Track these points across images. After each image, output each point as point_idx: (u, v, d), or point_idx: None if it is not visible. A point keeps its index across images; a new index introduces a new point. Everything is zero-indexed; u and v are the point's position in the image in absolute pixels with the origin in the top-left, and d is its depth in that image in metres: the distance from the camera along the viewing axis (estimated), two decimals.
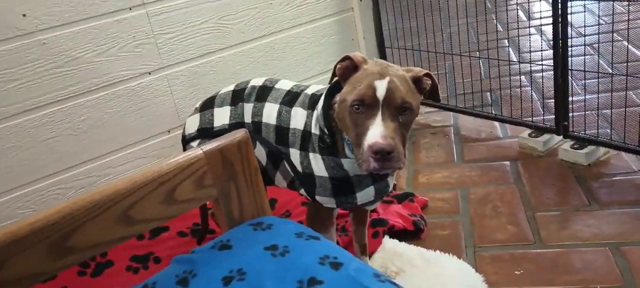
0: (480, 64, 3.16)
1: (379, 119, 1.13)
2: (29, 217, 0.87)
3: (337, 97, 1.25)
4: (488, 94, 2.81)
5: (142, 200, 0.92)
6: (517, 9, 3.36)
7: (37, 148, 1.96)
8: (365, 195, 1.34)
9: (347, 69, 1.25)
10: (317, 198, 1.35)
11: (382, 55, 2.75)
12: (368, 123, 1.14)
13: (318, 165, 1.31)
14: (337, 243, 1.69)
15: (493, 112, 2.59)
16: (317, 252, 0.91)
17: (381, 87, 1.14)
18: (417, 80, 1.23)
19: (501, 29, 3.73)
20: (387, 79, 1.15)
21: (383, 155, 1.10)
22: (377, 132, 1.11)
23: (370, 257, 1.70)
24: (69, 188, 2.06)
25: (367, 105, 1.15)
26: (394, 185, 2.17)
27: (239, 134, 1.01)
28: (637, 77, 1.89)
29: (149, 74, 2.13)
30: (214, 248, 0.97)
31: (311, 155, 1.32)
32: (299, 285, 0.83)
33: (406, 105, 1.15)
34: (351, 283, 0.82)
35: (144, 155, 2.20)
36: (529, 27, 3.30)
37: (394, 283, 0.84)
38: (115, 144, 2.12)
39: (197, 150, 0.97)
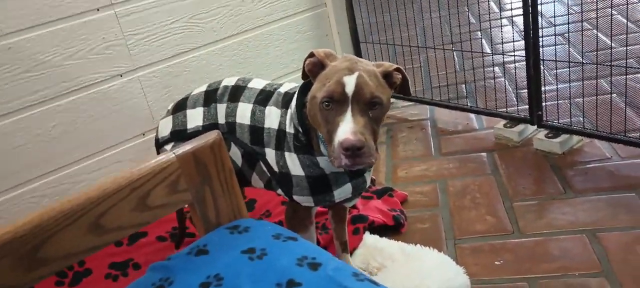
0: (455, 57, 3.18)
1: (348, 114, 1.12)
2: None
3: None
4: (463, 86, 2.83)
5: (113, 208, 0.90)
6: (489, 1, 3.39)
7: (7, 156, 1.90)
8: (342, 192, 1.33)
9: (315, 65, 1.24)
10: (295, 197, 1.34)
11: (357, 50, 2.74)
12: (338, 119, 1.13)
13: (294, 164, 1.30)
14: (318, 241, 1.69)
15: (468, 104, 2.62)
16: (295, 253, 0.90)
17: (350, 83, 1.14)
18: (387, 75, 1.23)
19: (474, 21, 3.76)
20: (356, 74, 1.15)
21: (354, 151, 1.09)
22: (347, 128, 1.11)
23: (351, 253, 1.70)
24: (43, 196, 2.01)
25: (336, 102, 1.14)
26: (373, 181, 2.17)
27: (212, 135, 0.99)
28: (607, 64, 1.92)
29: (121, 76, 2.08)
30: (191, 253, 0.95)
31: (286, 154, 1.31)
32: None
33: (376, 99, 1.15)
34: (330, 284, 0.81)
35: (119, 160, 2.16)
36: (501, 18, 3.33)
37: (373, 282, 0.83)
38: (89, 149, 2.08)
39: (170, 154, 0.95)
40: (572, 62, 2.13)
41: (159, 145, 1.52)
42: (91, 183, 2.09)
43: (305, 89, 1.28)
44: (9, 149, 1.90)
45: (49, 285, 1.77)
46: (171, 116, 1.51)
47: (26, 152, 1.94)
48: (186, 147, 0.97)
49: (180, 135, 1.47)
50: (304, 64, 1.25)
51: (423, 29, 2.66)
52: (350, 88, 1.13)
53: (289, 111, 1.31)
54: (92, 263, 1.85)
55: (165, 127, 1.51)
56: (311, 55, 1.25)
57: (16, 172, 1.93)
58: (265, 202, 2.06)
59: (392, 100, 2.76)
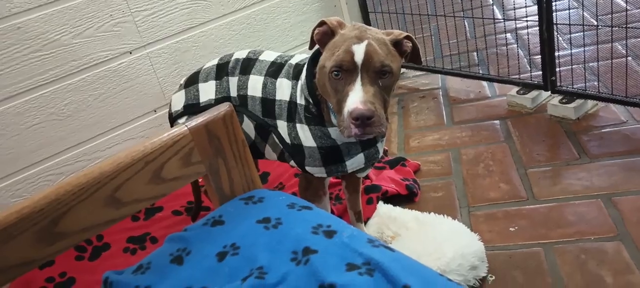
0: (466, 24, 3.13)
1: (358, 84, 1.11)
2: (16, 204, 0.85)
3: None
4: (475, 53, 2.79)
5: (129, 181, 0.91)
6: None
7: (22, 135, 1.92)
8: (355, 162, 1.33)
9: (325, 34, 1.23)
10: (308, 168, 1.34)
11: (366, 20, 2.71)
12: (348, 88, 1.12)
13: (306, 135, 1.29)
14: (332, 212, 1.69)
15: (480, 71, 2.59)
16: (309, 221, 0.90)
17: (359, 51, 1.12)
18: (397, 43, 1.21)
19: None
20: (366, 42, 1.13)
21: (363, 120, 1.08)
22: (356, 97, 1.09)
23: (365, 223, 1.70)
24: (59, 174, 2.03)
25: (345, 71, 1.13)
26: (386, 151, 2.16)
27: (223, 108, 0.99)
28: (622, 27, 1.88)
29: (130, 53, 2.08)
30: (207, 224, 0.96)
31: (298, 126, 1.30)
32: (294, 256, 0.82)
33: (386, 68, 1.13)
34: (345, 251, 0.81)
35: (132, 137, 2.17)
36: None
37: (388, 247, 0.83)
38: (101, 127, 2.09)
39: (182, 127, 0.95)
40: (586, 25, 2.09)
41: (173, 119, 1.53)
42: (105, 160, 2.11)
43: (315, 59, 1.27)
44: (24, 128, 1.92)
45: (69, 259, 1.80)
46: (184, 90, 1.51)
47: (41, 130, 1.95)
48: (198, 119, 0.97)
49: (193, 108, 1.47)
50: (313, 33, 1.24)
51: None
52: (359, 56, 1.12)
53: (300, 82, 1.30)
54: (110, 237, 1.88)
55: (178, 101, 1.51)
56: (321, 24, 1.23)
57: (32, 151, 1.95)
58: (279, 174, 2.07)
59: (403, 69, 2.74)
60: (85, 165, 2.07)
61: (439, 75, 2.69)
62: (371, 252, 0.79)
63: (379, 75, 1.14)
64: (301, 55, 1.41)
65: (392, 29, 2.74)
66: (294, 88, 1.32)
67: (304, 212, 0.94)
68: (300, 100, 1.29)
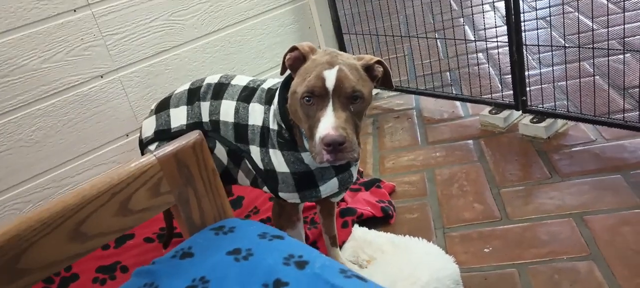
0: (438, 44, 3.17)
1: (329, 109, 1.11)
2: None
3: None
4: (448, 73, 2.83)
5: (94, 214, 0.88)
6: None
7: None
8: (328, 187, 1.32)
9: (297, 59, 1.22)
10: (281, 194, 1.33)
11: (340, 42, 2.73)
12: (319, 114, 1.12)
13: (278, 161, 1.28)
14: (307, 237, 1.68)
15: (454, 91, 2.62)
16: (281, 252, 0.88)
17: (330, 77, 1.12)
18: (368, 68, 1.21)
19: (456, 7, 3.75)
20: (337, 68, 1.13)
21: (335, 146, 1.08)
22: (328, 123, 1.09)
23: (340, 247, 1.69)
24: (27, 202, 1.98)
25: (317, 96, 1.13)
26: (361, 172, 2.16)
27: (193, 136, 0.97)
28: (588, 48, 1.92)
29: (101, 77, 2.05)
30: (176, 257, 0.94)
31: (271, 151, 1.29)
32: None
33: (357, 93, 1.13)
34: (317, 282, 0.80)
35: (103, 162, 2.13)
36: (483, 3, 3.33)
37: (361, 278, 0.82)
38: (71, 153, 2.04)
39: (150, 156, 0.93)
40: (554, 46, 2.13)
41: (143, 145, 1.50)
42: (75, 186, 2.07)
43: (287, 84, 1.26)
44: None
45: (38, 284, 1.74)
46: (154, 116, 1.49)
47: (8, 157, 1.90)
48: (167, 148, 0.95)
49: (164, 134, 1.45)
50: (284, 58, 1.23)
51: (406, 18, 2.65)
52: (330, 82, 1.12)
53: (272, 107, 1.29)
54: (79, 267, 1.83)
55: (149, 127, 1.48)
56: (292, 49, 1.23)
57: None
58: (253, 198, 2.04)
59: (377, 90, 2.76)
60: (54, 193, 2.02)
61: (413, 95, 2.72)
62: (343, 283, 0.78)
63: (350, 101, 1.14)
64: (273, 79, 1.40)
65: (366, 49, 2.77)
66: (266, 113, 1.31)
67: (276, 242, 0.93)
68: (273, 126, 1.28)
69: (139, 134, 1.56)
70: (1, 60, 1.82)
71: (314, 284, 0.79)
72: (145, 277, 0.91)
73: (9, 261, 0.82)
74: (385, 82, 1.26)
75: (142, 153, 1.53)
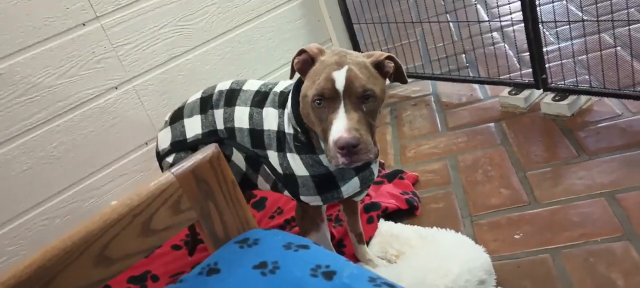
0: (451, 27, 3.11)
1: (341, 111, 1.08)
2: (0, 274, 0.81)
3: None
4: (463, 56, 2.77)
5: (117, 238, 0.87)
6: None
7: (14, 181, 1.88)
8: (350, 187, 1.29)
9: (305, 62, 1.20)
10: (302, 198, 1.31)
11: (351, 32, 2.68)
12: (331, 117, 1.09)
13: (297, 164, 1.26)
14: (332, 236, 1.66)
15: (470, 74, 2.56)
16: (308, 262, 0.87)
17: (340, 78, 1.09)
18: (378, 65, 1.18)
19: None
20: (346, 68, 1.10)
21: (349, 149, 1.05)
22: (340, 125, 1.06)
23: (367, 243, 1.67)
24: (54, 217, 2.00)
25: (328, 99, 1.10)
26: (382, 164, 2.13)
27: (209, 150, 0.96)
28: (608, 20, 1.85)
29: (116, 88, 2.05)
30: (202, 274, 0.93)
31: (289, 155, 1.27)
32: None
33: (368, 92, 1.10)
34: None
35: (125, 172, 2.14)
36: None
37: (391, 285, 0.80)
38: (93, 165, 2.05)
39: (168, 174, 0.92)
40: (572, 20, 2.06)
41: (161, 157, 1.49)
42: (101, 198, 2.08)
43: (299, 86, 1.24)
44: (15, 174, 1.88)
45: None
46: (169, 127, 1.48)
47: (32, 175, 1.92)
48: (185, 165, 0.94)
49: (180, 145, 1.44)
50: (293, 62, 1.21)
51: (416, 2, 2.59)
52: (340, 83, 1.09)
53: (286, 111, 1.27)
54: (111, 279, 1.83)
55: (165, 138, 1.47)
56: (300, 52, 1.20)
57: (25, 197, 1.91)
58: (277, 199, 2.03)
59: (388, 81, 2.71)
60: (79, 206, 2.04)
61: (430, 81, 2.67)
62: None
63: (362, 100, 1.11)
64: (285, 82, 1.38)
65: (377, 38, 2.73)
66: (281, 117, 1.29)
67: (301, 252, 0.91)
68: (289, 130, 1.26)
69: (155, 145, 1.55)
70: (17, 80, 1.83)
71: None
72: None
73: None
74: (397, 77, 1.23)
75: (160, 165, 1.53)
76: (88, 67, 1.97)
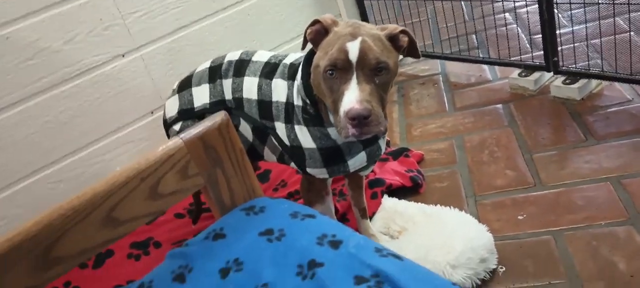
0: (463, 6, 3.07)
1: (353, 82, 1.07)
2: (8, 231, 0.82)
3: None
4: (474, 36, 2.74)
5: (125, 200, 0.88)
6: None
7: (18, 145, 1.89)
8: (357, 161, 1.29)
9: (318, 33, 1.18)
10: (308, 170, 1.31)
11: (361, 8, 2.65)
12: (343, 88, 1.08)
13: (305, 137, 1.26)
14: (336, 209, 1.66)
15: (480, 54, 2.54)
16: (314, 231, 0.87)
17: (353, 49, 1.08)
18: (392, 38, 1.16)
19: None
20: (360, 39, 1.09)
21: (360, 120, 1.04)
22: (352, 96, 1.05)
23: (370, 218, 1.67)
24: (58, 182, 2.00)
25: (340, 69, 1.09)
26: (388, 142, 2.13)
27: (219, 117, 0.95)
28: (623, 4, 1.83)
29: (123, 56, 2.04)
30: (208, 238, 0.93)
31: (296, 127, 1.27)
32: (299, 270, 0.79)
33: (381, 64, 1.09)
34: (352, 262, 0.78)
35: (130, 140, 2.14)
36: None
37: (397, 256, 0.80)
38: (99, 132, 2.05)
39: (177, 140, 0.92)
40: (587, 3, 2.03)
41: (167, 125, 1.49)
42: (106, 165, 2.09)
43: (310, 58, 1.22)
44: (21, 138, 1.88)
45: (74, 269, 1.77)
46: (177, 95, 1.47)
47: (37, 139, 1.92)
48: (193, 131, 0.94)
49: (187, 113, 1.43)
50: (306, 32, 1.19)
51: None
52: (353, 54, 1.08)
53: (296, 83, 1.26)
54: (113, 244, 1.85)
55: (172, 106, 1.47)
56: (314, 22, 1.19)
57: (30, 161, 1.92)
58: (280, 171, 2.03)
59: (400, 56, 2.69)
60: (84, 172, 2.04)
61: (438, 60, 2.65)
62: (379, 263, 0.76)
63: (375, 73, 1.10)
64: (295, 54, 1.37)
65: (387, 14, 2.70)
66: (290, 89, 1.28)
67: (308, 221, 0.91)
68: (297, 101, 1.25)
69: (162, 114, 1.55)
70: (24, 44, 1.82)
71: (349, 264, 0.78)
72: (180, 259, 0.90)
73: (43, 251, 0.82)
74: (411, 51, 1.21)
75: (167, 133, 1.53)
76: (96, 33, 1.96)
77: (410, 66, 2.71)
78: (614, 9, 1.93)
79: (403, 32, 1.17)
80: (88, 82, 1.98)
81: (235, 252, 0.87)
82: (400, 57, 2.59)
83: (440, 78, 2.53)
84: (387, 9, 2.64)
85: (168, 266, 0.92)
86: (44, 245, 0.81)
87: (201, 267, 0.87)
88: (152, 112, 2.16)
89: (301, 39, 1.23)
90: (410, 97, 2.45)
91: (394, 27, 1.17)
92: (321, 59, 1.13)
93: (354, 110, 1.04)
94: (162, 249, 1.81)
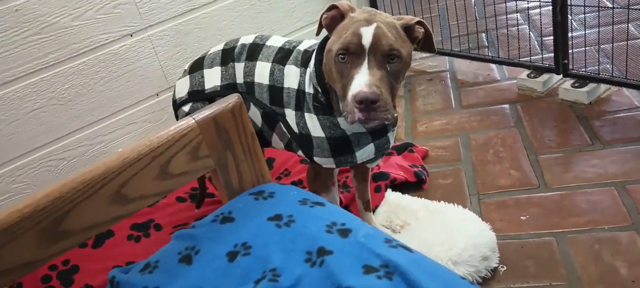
0: (474, 4, 3.06)
1: (364, 67, 1.06)
2: (17, 202, 0.82)
3: None
4: (483, 35, 2.73)
5: (135, 177, 0.87)
6: None
7: (22, 120, 1.88)
8: (364, 153, 1.29)
9: (334, 18, 1.18)
10: (316, 159, 1.30)
11: (372, 2, 2.64)
12: (353, 72, 1.07)
13: (314, 125, 1.25)
14: (340, 201, 1.66)
15: (489, 54, 2.53)
16: (323, 219, 0.87)
17: (367, 34, 1.07)
18: (408, 28, 1.16)
19: None
20: (374, 25, 1.09)
21: (367, 104, 1.03)
22: (361, 80, 1.04)
23: (374, 211, 1.67)
24: (60, 159, 2.00)
25: (352, 54, 1.08)
26: None
27: (232, 99, 0.95)
28: (637, 9, 1.82)
29: (131, 35, 2.03)
30: (216, 221, 0.93)
31: (306, 115, 1.26)
32: (308, 257, 0.79)
33: (394, 52, 1.09)
34: (361, 251, 0.78)
35: (134, 121, 2.13)
36: None
37: (406, 247, 0.80)
38: (103, 111, 2.05)
39: (189, 119, 0.91)
40: (601, 6, 2.02)
41: (177, 106, 1.48)
42: (108, 145, 2.08)
43: (323, 45, 1.22)
44: (24, 113, 1.88)
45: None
46: (188, 76, 1.47)
47: (41, 115, 1.91)
48: (206, 112, 0.93)
49: (198, 95, 1.43)
50: (322, 18, 1.19)
51: None
52: (367, 39, 1.07)
53: (308, 70, 1.26)
54: (124, 218, 1.85)
55: (183, 87, 1.46)
56: (330, 8, 1.18)
57: (33, 136, 1.91)
58: (284, 160, 2.03)
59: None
60: (86, 151, 2.04)
61: (447, 57, 2.64)
62: (389, 254, 0.76)
63: (387, 60, 1.09)
64: (309, 41, 1.36)
65: (398, 9, 2.69)
66: (302, 76, 1.27)
67: (317, 209, 0.91)
68: (309, 89, 1.25)
69: (170, 94, 1.54)
70: (33, 18, 1.81)
71: (358, 253, 0.78)
72: (187, 240, 0.90)
73: (52, 223, 0.82)
74: (426, 44, 1.20)
75: (176, 114, 1.52)
76: (105, 11, 1.94)
77: (417, 62, 2.70)
78: (628, 14, 1.93)
79: (419, 23, 1.16)
80: (94, 60, 1.97)
81: (244, 236, 0.87)
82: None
83: (448, 75, 2.52)
84: (398, 3, 2.63)
85: (174, 247, 0.92)
86: (53, 217, 0.81)
87: (208, 249, 0.87)
88: (157, 94, 2.15)
89: (311, 28, 1.22)
90: (416, 92, 2.44)
91: (410, 18, 1.16)
92: (334, 43, 1.12)
93: (362, 93, 1.03)
94: (163, 232, 1.81)
